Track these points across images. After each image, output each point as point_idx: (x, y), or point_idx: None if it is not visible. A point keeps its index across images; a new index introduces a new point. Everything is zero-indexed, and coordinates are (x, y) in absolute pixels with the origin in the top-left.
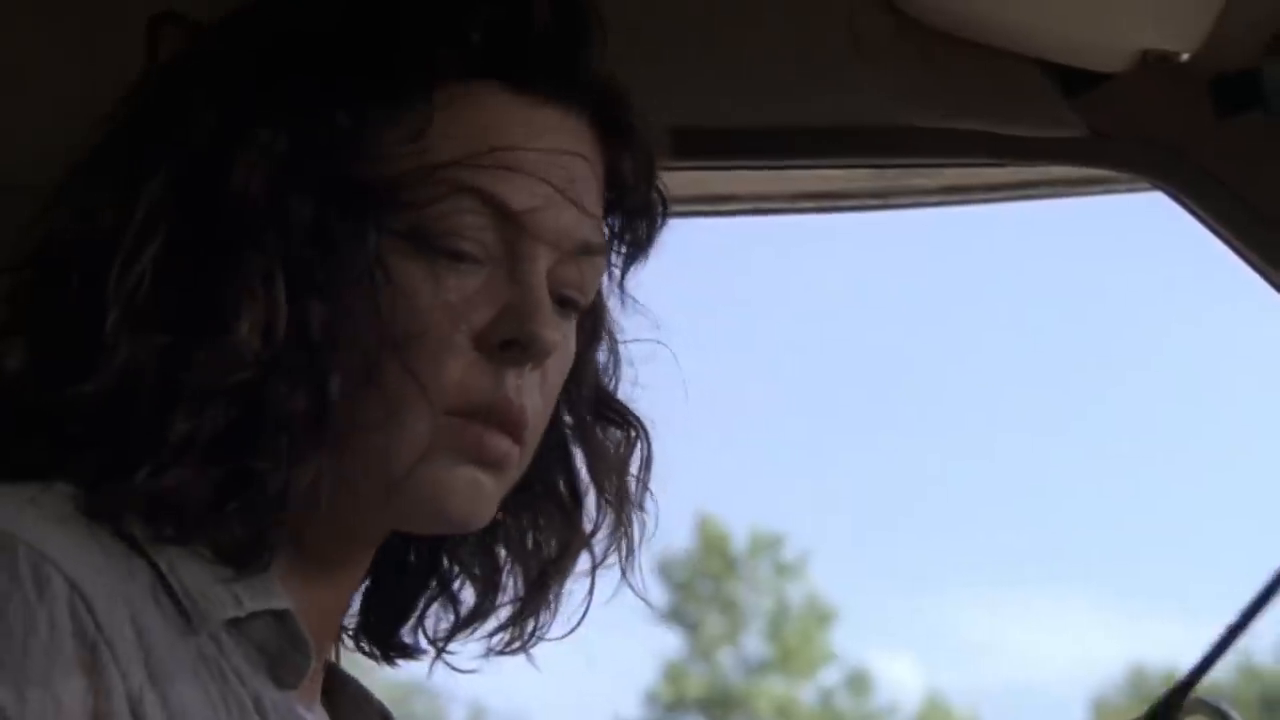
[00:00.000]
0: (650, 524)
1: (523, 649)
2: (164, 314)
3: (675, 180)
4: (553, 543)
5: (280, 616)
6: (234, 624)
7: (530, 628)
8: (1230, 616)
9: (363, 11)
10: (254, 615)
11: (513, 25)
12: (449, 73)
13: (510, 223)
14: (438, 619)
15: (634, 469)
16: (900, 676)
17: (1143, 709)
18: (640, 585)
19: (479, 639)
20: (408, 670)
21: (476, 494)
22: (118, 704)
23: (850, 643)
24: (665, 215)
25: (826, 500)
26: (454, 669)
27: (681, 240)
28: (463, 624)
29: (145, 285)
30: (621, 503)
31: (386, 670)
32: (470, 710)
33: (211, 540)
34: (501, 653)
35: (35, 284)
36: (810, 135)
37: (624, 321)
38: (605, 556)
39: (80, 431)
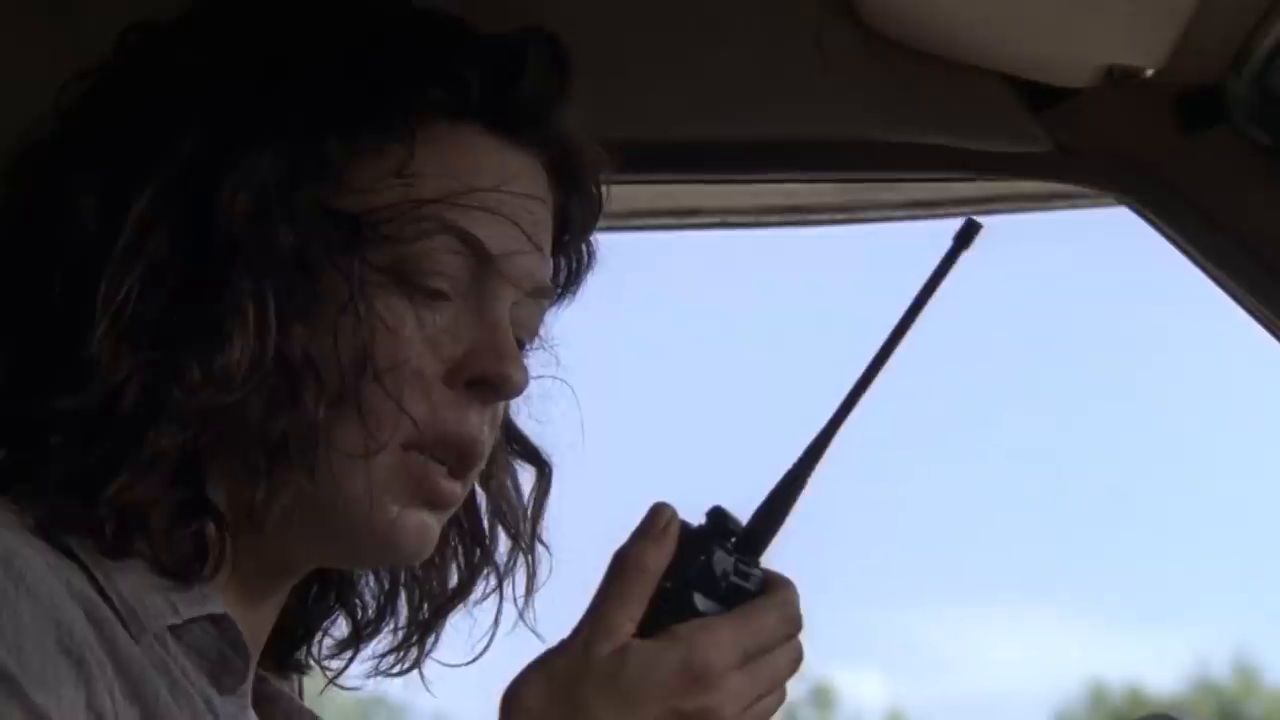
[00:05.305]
0: (549, 558)
1: (413, 668)
2: (152, 328)
3: (641, 194)
4: (450, 574)
5: (218, 621)
6: (173, 632)
7: (419, 651)
8: (1191, 634)
9: (359, 42)
10: (191, 622)
11: (506, 73)
12: (439, 111)
13: (484, 263)
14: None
15: (535, 503)
16: (864, 691)
17: None
18: (533, 620)
19: (367, 660)
20: (368, 684)
21: (424, 534)
22: (104, 698)
23: (814, 657)
24: (594, 263)
25: (790, 515)
26: (343, 687)
27: (647, 254)
28: (350, 644)
29: (134, 298)
30: (521, 537)
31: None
32: None
33: (158, 554)
34: (389, 674)
35: (6, 280)
36: (776, 149)
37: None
38: (498, 589)
39: (58, 443)
